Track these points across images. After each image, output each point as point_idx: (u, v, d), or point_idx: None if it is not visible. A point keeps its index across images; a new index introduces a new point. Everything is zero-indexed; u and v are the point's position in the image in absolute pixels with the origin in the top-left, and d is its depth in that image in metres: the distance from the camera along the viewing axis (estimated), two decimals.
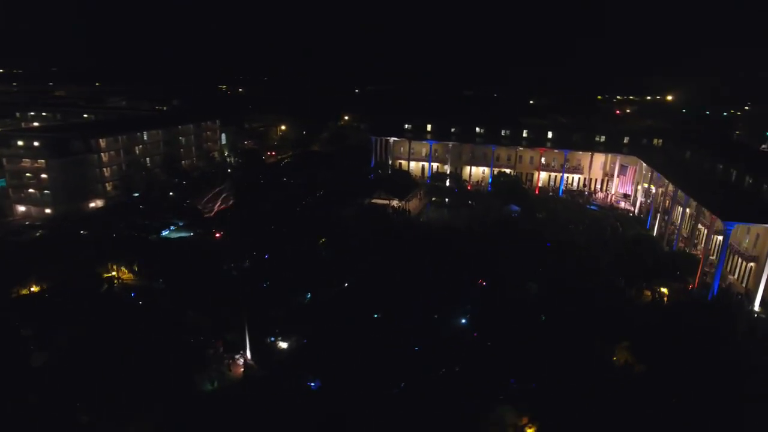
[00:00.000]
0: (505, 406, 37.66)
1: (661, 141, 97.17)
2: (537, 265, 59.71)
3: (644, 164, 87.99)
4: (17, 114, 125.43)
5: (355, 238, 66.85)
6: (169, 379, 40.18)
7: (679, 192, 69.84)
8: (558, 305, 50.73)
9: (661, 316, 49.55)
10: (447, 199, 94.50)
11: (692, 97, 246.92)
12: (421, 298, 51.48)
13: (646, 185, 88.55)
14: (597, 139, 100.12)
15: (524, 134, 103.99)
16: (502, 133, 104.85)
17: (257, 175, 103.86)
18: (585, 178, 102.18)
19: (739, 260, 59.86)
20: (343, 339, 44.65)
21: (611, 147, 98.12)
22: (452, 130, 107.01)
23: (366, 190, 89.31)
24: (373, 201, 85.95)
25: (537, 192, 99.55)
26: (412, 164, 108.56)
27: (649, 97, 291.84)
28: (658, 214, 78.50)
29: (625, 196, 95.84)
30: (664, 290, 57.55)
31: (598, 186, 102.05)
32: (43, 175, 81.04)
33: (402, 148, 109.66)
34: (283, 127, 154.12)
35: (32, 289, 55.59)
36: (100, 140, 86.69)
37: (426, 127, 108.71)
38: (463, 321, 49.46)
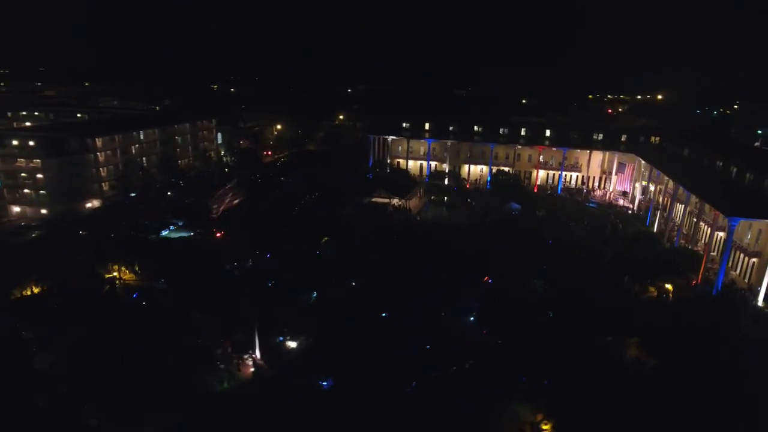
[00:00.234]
0: (519, 404, 37.66)
1: (658, 139, 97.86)
2: (540, 262, 59.77)
3: (642, 162, 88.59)
4: (9, 114, 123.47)
5: (358, 237, 66.56)
6: (178, 381, 39.69)
7: (680, 189, 70.27)
8: (564, 302, 50.85)
9: (667, 312, 49.78)
10: (446, 198, 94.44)
11: (681, 97, 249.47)
12: (427, 296, 51.39)
13: (644, 183, 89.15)
14: (595, 137, 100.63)
15: (522, 132, 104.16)
16: (501, 132, 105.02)
17: (256, 175, 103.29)
18: (583, 176, 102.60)
19: (742, 256, 60.33)
20: (353, 338, 44.40)
21: (609, 145, 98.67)
22: (450, 128, 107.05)
23: (366, 189, 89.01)
24: (374, 200, 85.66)
25: (536, 190, 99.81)
26: (411, 163, 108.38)
27: (639, 97, 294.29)
28: (658, 211, 79.03)
29: (624, 193, 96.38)
30: (668, 286, 57.93)
31: (596, 184, 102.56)
32: (39, 175, 79.80)
33: (400, 147, 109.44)
34: (278, 127, 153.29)
35: (32, 290, 54.61)
36: (97, 140, 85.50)
37: (424, 126, 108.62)
38: (471, 319, 49.28)
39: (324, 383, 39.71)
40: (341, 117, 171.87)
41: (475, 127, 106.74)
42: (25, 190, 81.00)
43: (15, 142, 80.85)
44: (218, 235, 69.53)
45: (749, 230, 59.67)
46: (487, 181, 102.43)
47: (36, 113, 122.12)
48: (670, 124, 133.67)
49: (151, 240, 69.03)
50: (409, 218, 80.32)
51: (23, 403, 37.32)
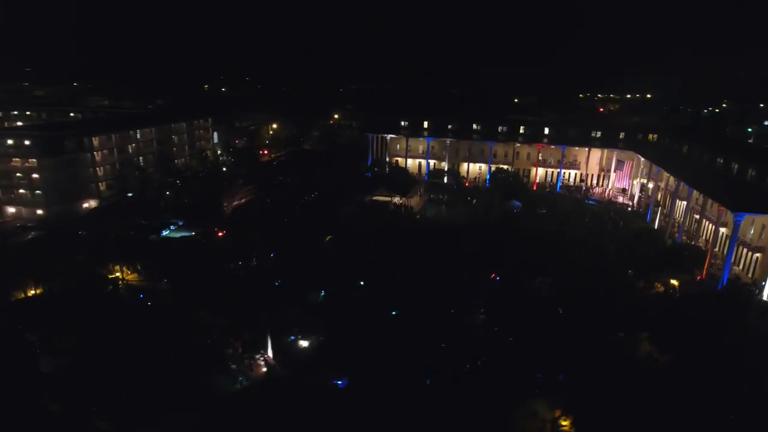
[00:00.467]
0: (536, 400, 37.57)
1: (655, 136, 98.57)
2: (544, 259, 59.86)
3: (642, 159, 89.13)
4: None
5: (361, 236, 66.25)
6: (190, 382, 39.08)
7: (682, 185, 70.75)
8: (572, 299, 50.91)
9: (676, 307, 50.02)
10: (445, 196, 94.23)
11: (670, 96, 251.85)
12: (434, 294, 51.22)
13: (643, 180, 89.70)
14: (593, 134, 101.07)
15: (521, 130, 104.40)
16: (499, 130, 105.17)
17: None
18: (581, 174, 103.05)
19: (745, 251, 60.82)
20: (364, 337, 44.07)
21: (607, 142, 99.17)
22: (449, 126, 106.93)
23: (366, 187, 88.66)
24: (375, 198, 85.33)
25: (535, 188, 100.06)
26: (409, 161, 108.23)
27: (629, 96, 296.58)
28: (659, 208, 79.57)
29: (623, 191, 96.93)
30: (674, 282, 58.27)
31: (594, 181, 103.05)
32: (35, 175, 78.40)
33: (398, 145, 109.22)
34: (274, 126, 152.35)
35: (32, 292, 53.59)
36: (94, 139, 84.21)
37: (423, 124, 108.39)
38: (482, 316, 49.12)
39: (339, 382, 39.23)
40: (336, 116, 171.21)
41: (474, 126, 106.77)
42: (21, 191, 79.53)
43: (10, 141, 79.31)
44: (220, 234, 68.81)
45: (752, 225, 60.17)
46: (486, 179, 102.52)
47: (28, 113, 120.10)
48: (664, 122, 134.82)
49: (152, 240, 68.21)
50: (411, 216, 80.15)
51: (33, 407, 36.48)
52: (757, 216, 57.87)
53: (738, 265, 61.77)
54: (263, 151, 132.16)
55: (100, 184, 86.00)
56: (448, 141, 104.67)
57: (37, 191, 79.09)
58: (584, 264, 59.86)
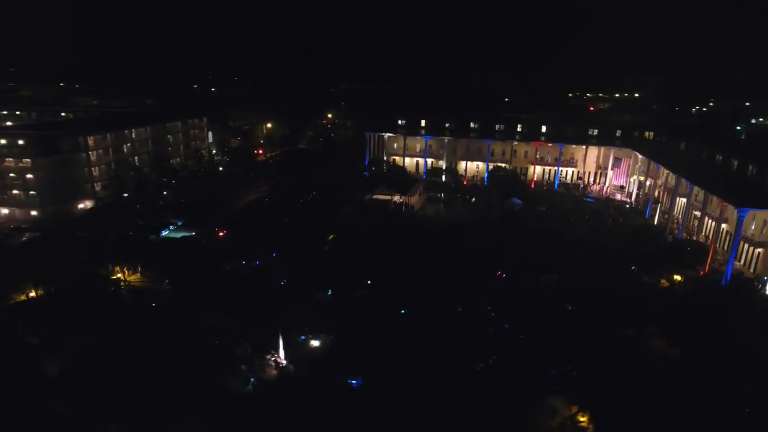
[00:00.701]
0: (554, 396, 37.47)
1: (651, 134, 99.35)
2: (548, 256, 60.01)
3: (640, 156, 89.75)
4: None
5: (363, 235, 65.92)
6: (201, 383, 38.42)
7: (682, 182, 71.30)
8: (579, 295, 51.03)
9: (684, 302, 50.33)
10: (442, 195, 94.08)
11: (658, 95, 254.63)
12: (442, 293, 51.06)
13: (641, 177, 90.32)
14: (590, 132, 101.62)
15: (519, 128, 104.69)
16: (497, 128, 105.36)
17: (250, 173, 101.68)
18: (579, 172, 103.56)
19: (746, 246, 61.41)
20: (375, 335, 43.72)
21: (604, 140, 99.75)
22: (447, 125, 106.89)
23: (366, 186, 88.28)
24: (375, 197, 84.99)
25: (533, 186, 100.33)
26: (407, 160, 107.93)
27: (617, 95, 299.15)
28: (659, 204, 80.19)
29: (620, 188, 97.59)
30: (677, 277, 58.69)
31: (591, 179, 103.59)
32: (29, 176, 76.86)
33: (396, 144, 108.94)
34: (269, 125, 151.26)
35: (31, 294, 52.44)
36: (89, 138, 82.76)
37: (420, 123, 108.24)
38: (492, 314, 48.97)
39: (353, 382, 38.81)
40: (330, 115, 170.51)
41: (472, 124, 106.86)
42: (14, 191, 77.91)
43: (3, 141, 77.67)
44: (221, 234, 68.00)
45: (753, 221, 60.80)
46: (484, 177, 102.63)
47: (17, 112, 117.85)
48: (656, 120, 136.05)
49: (152, 240, 67.21)
50: (413, 215, 79.95)
51: (41, 411, 35.62)
52: (758, 211, 58.45)
53: (739, 261, 62.34)
54: (258, 151, 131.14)
55: (95, 184, 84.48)
56: (446, 139, 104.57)
57: (32, 192, 77.58)
58: (588, 260, 60.18)
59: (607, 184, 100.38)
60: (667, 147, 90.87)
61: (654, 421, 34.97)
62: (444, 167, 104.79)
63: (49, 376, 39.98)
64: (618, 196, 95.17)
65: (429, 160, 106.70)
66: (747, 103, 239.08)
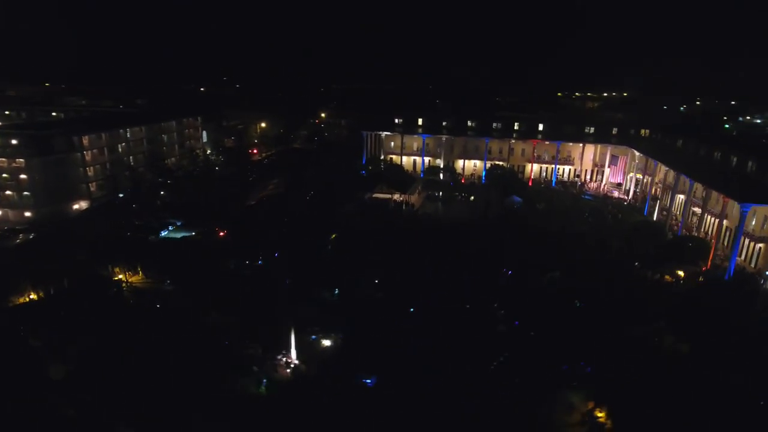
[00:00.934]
0: (570, 392, 37.41)
1: (647, 131, 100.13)
2: (550, 253, 60.10)
3: (637, 154, 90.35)
4: None
5: (365, 234, 65.48)
6: (212, 385, 37.78)
7: (681, 178, 71.87)
8: (584, 291, 51.09)
9: (692, 296, 50.62)
10: (440, 193, 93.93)
11: (645, 94, 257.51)
12: (448, 291, 50.82)
13: (638, 175, 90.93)
14: (587, 130, 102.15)
15: (516, 127, 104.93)
16: (494, 126, 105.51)
17: (246, 173, 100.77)
18: (576, 169, 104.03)
19: (747, 241, 62.00)
20: (385, 334, 43.36)
21: (601, 138, 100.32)
22: (444, 123, 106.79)
23: (366, 185, 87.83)
24: (375, 195, 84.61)
25: (530, 184, 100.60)
26: (404, 159, 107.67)
27: (605, 94, 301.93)
28: (658, 201, 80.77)
29: (618, 185, 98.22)
30: (680, 273, 59.10)
31: (588, 177, 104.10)
32: (23, 176, 75.24)
33: (393, 143, 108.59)
34: (262, 125, 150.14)
35: (33, 296, 51.29)
36: (84, 138, 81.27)
37: (417, 121, 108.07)
38: (502, 311, 48.81)
39: (368, 381, 38.39)
40: (323, 115, 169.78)
41: (469, 122, 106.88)
42: (8, 192, 76.24)
43: None
44: (221, 234, 67.17)
45: (753, 216, 61.39)
46: (481, 175, 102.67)
47: (6, 112, 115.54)
48: (648, 118, 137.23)
49: (151, 241, 66.16)
50: (413, 213, 79.65)
51: (50, 415, 34.76)
52: (760, 207, 59.03)
53: (740, 256, 62.92)
54: (253, 150, 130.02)
55: (90, 184, 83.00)
56: (443, 138, 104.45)
57: (25, 192, 75.93)
58: (591, 257, 60.36)
59: (604, 181, 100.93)
60: (663, 144, 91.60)
61: (670, 414, 35.03)
62: (442, 166, 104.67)
63: (55, 379, 39.11)
64: (615, 194, 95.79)
65: (426, 159, 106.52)
66: (732, 102, 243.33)
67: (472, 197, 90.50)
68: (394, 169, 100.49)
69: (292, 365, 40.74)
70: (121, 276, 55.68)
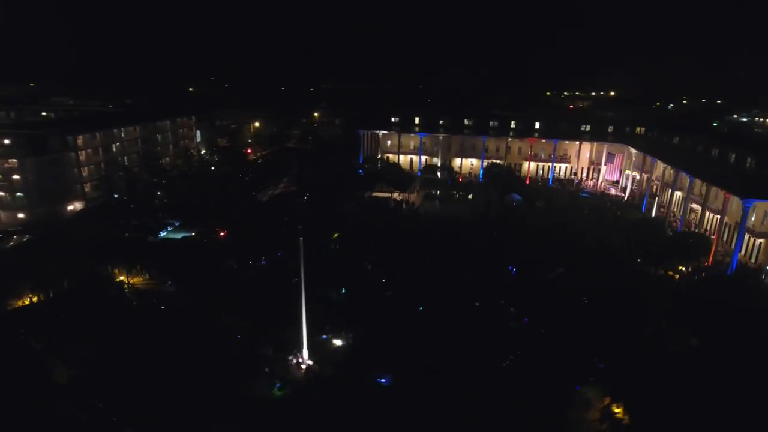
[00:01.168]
0: (586, 388, 37.38)
1: (643, 129, 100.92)
2: (552, 251, 60.27)
3: (634, 151, 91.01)
4: None
5: (367, 232, 65.15)
6: (225, 387, 37.12)
7: (680, 175, 72.46)
8: (591, 287, 51.25)
9: (699, 291, 51.01)
10: (438, 192, 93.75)
11: (633, 93, 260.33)
12: (453, 289, 50.67)
13: (636, 174, 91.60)
14: (583, 128, 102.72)
15: (513, 125, 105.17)
16: (491, 125, 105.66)
17: (242, 173, 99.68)
18: (572, 167, 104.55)
19: (748, 237, 62.61)
20: (396, 333, 43.04)
21: (598, 136, 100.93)
22: (441, 122, 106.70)
23: (365, 184, 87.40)
24: (375, 194, 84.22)
25: (528, 182, 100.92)
26: (401, 157, 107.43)
27: (593, 93, 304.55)
28: (656, 198, 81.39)
29: (614, 183, 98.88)
30: (683, 269, 59.54)
31: (585, 175, 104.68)
32: (16, 176, 73.59)
33: (390, 142, 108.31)
34: (256, 124, 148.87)
35: (37, 298, 50.09)
36: (78, 137, 79.74)
37: (414, 120, 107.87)
38: (512, 309, 48.71)
39: (383, 380, 37.99)
40: (316, 114, 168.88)
41: (466, 121, 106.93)
42: (0, 193, 74.51)
43: None
44: (222, 234, 66.34)
45: (753, 212, 62.02)
46: (479, 174, 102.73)
47: None
48: (640, 116, 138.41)
49: (150, 241, 65.09)
50: (414, 212, 79.40)
51: (57, 419, 33.91)
52: (761, 202, 59.66)
53: (741, 251, 63.55)
54: (247, 150, 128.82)
55: (85, 184, 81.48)
56: (440, 136, 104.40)
57: (18, 193, 74.30)
58: (592, 254, 60.67)
59: (600, 179, 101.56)
60: (659, 141, 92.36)
61: (687, 408, 35.13)
62: (439, 164, 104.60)
63: (60, 383, 38.18)
64: (612, 191, 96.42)
65: (423, 158, 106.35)
66: (718, 101, 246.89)
67: (470, 195, 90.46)
68: (392, 167, 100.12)
69: (304, 366, 40.09)
70: (122, 277, 54.59)
